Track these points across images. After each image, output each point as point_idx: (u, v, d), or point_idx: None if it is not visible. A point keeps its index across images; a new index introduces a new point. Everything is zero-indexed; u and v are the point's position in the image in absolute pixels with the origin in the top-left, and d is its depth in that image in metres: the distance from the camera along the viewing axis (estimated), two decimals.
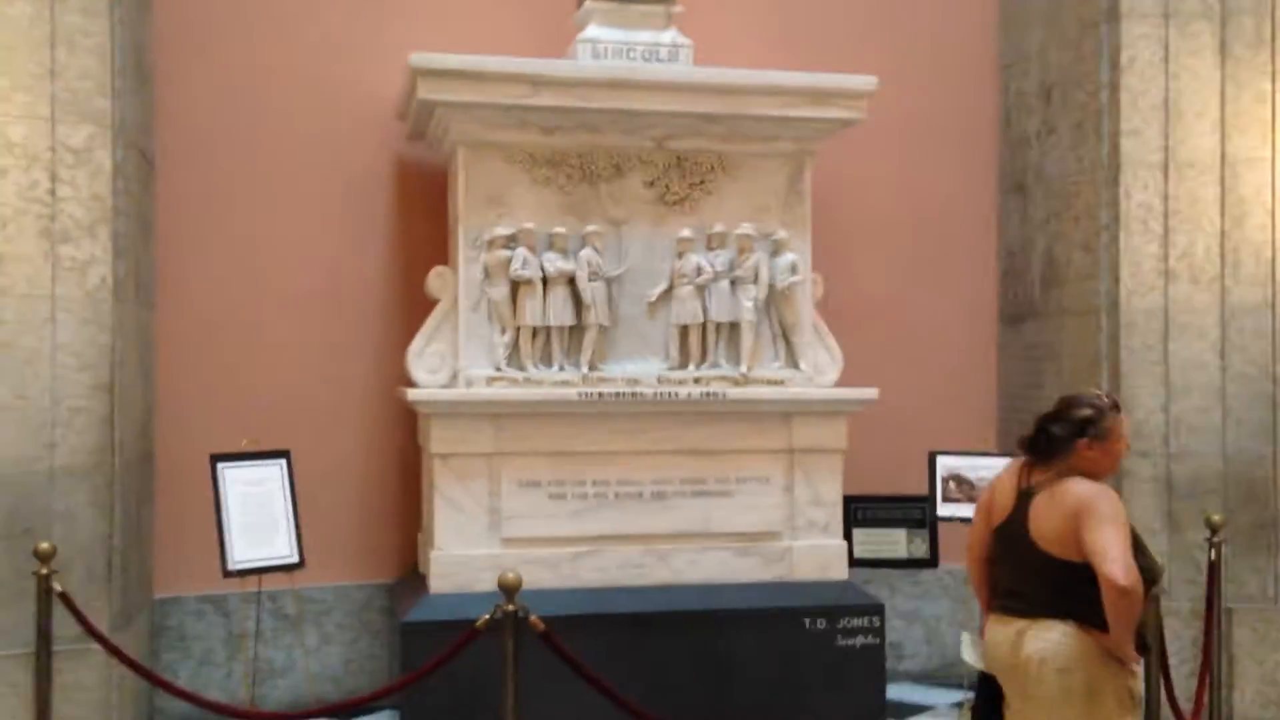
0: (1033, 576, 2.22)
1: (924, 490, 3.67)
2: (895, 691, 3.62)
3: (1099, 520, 2.12)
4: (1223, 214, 3.57)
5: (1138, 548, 2.19)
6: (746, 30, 3.89)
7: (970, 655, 2.43)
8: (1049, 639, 2.19)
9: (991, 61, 4.21)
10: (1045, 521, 2.20)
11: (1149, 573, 2.19)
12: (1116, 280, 3.60)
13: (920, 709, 3.80)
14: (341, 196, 3.67)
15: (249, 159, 3.61)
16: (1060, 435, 2.25)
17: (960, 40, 4.18)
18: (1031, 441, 2.29)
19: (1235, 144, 3.56)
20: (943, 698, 3.89)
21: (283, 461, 3.27)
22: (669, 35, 3.48)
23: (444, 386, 3.37)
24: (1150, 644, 2.22)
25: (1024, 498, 2.26)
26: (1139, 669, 2.23)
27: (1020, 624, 2.24)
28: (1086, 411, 2.25)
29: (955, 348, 4.17)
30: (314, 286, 3.66)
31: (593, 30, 3.44)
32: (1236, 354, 3.56)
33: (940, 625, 4.12)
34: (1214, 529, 3.13)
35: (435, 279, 3.43)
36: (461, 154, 3.36)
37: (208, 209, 3.59)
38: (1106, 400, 2.29)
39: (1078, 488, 2.19)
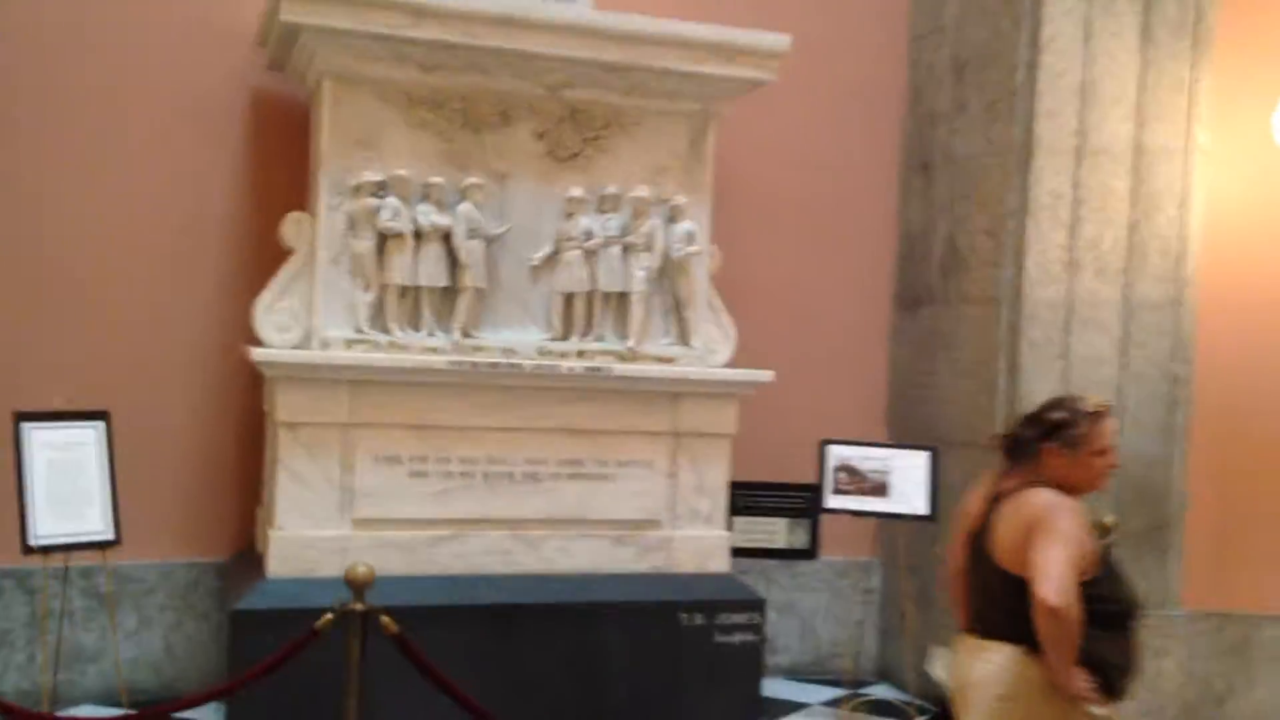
0: (989, 593, 2.02)
1: (813, 479, 3.47)
2: (768, 687, 3.43)
3: (1048, 535, 1.92)
4: (1133, 205, 3.43)
5: (1112, 575, 1.99)
6: None
7: (938, 672, 2.22)
8: (994, 662, 1.99)
9: (902, 32, 3.99)
10: (1004, 533, 2.00)
11: (1123, 604, 2.00)
12: (1020, 269, 3.43)
13: (795, 706, 3.62)
14: (185, 128, 3.24)
15: (76, 77, 3.14)
16: (1028, 437, 2.05)
17: (871, 6, 3.95)
18: (1003, 441, 2.09)
19: (1151, 133, 3.41)
20: (816, 695, 3.72)
21: (100, 424, 2.86)
22: None
23: (295, 347, 2.99)
24: (1125, 685, 2.01)
25: (992, 505, 2.05)
26: (1103, 711, 2.00)
27: (974, 644, 2.04)
28: (1059, 414, 2.05)
29: (849, 332, 3.97)
30: (149, 226, 3.23)
31: None
32: (1137, 350, 3.44)
33: (816, 619, 3.95)
34: (1105, 531, 3.00)
35: (291, 226, 3.03)
36: (328, 87, 2.97)
37: (27, 130, 3.12)
38: (1089, 406, 2.07)
39: (1037, 498, 1.99)
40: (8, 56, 3.08)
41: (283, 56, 3.10)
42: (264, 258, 3.15)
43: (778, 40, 3.22)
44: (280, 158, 3.29)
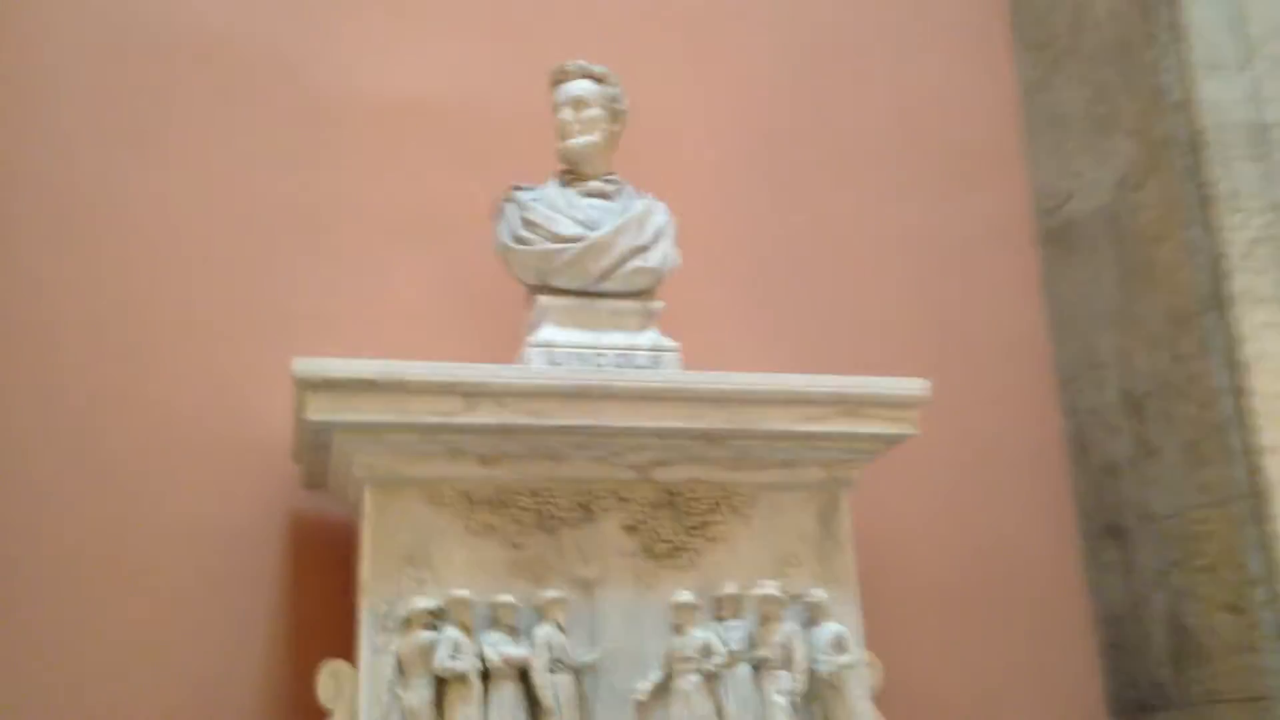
0: None
1: None
2: None
3: None
4: None
5: None
6: (749, 336, 3.09)
7: None
8: None
9: (1046, 375, 3.40)
10: None
11: None
12: None
13: None
14: (206, 571, 2.65)
15: (75, 521, 2.64)
16: None
17: (1004, 348, 3.39)
18: None
19: None
20: None
21: None
22: (648, 337, 2.64)
23: None
24: None
25: None
26: None
27: None
28: None
29: None
30: (170, 702, 2.57)
31: (548, 332, 2.60)
32: None
33: None
34: None
35: (327, 680, 2.35)
36: (369, 497, 2.40)
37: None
38: None
39: None
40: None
41: (319, 468, 2.57)
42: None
43: (915, 387, 2.62)
44: (322, 593, 2.67)
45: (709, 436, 2.51)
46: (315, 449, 2.45)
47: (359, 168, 3.04)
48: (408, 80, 3.13)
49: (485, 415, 2.37)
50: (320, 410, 2.29)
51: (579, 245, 2.61)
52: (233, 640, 2.63)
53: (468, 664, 2.30)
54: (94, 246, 2.81)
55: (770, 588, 2.50)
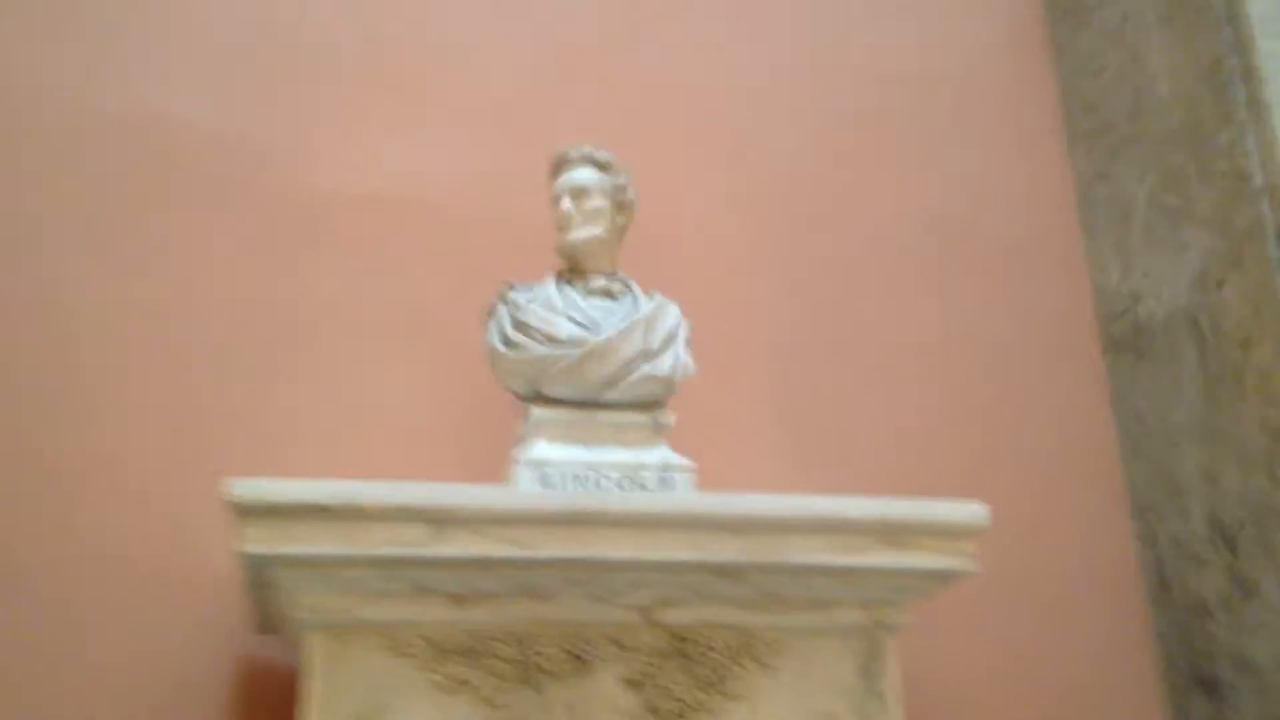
0: None
1: None
2: None
3: None
4: None
5: None
6: (774, 455, 2.71)
7: None
8: None
9: (1119, 497, 2.98)
10: None
11: None
12: None
13: None
14: None
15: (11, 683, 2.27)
16: None
17: (1071, 468, 2.98)
18: None
19: None
20: None
21: None
22: (657, 454, 2.28)
23: None
24: None
25: None
26: None
27: None
28: None
29: None
30: None
31: (541, 449, 2.24)
32: None
33: None
34: None
35: None
36: (316, 643, 2.01)
37: None
38: None
39: None
40: None
41: (269, 609, 2.19)
42: None
43: (970, 513, 2.21)
44: None
45: (727, 571, 2.12)
46: (260, 587, 2.08)
47: (335, 267, 2.74)
48: (392, 172, 2.84)
49: (457, 546, 1.99)
50: (259, 541, 1.92)
51: (578, 350, 2.27)
52: None
53: None
54: (34, 354, 2.50)
55: None
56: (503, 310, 2.36)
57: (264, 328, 2.62)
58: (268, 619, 2.24)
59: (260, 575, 2.01)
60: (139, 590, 2.34)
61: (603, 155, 2.46)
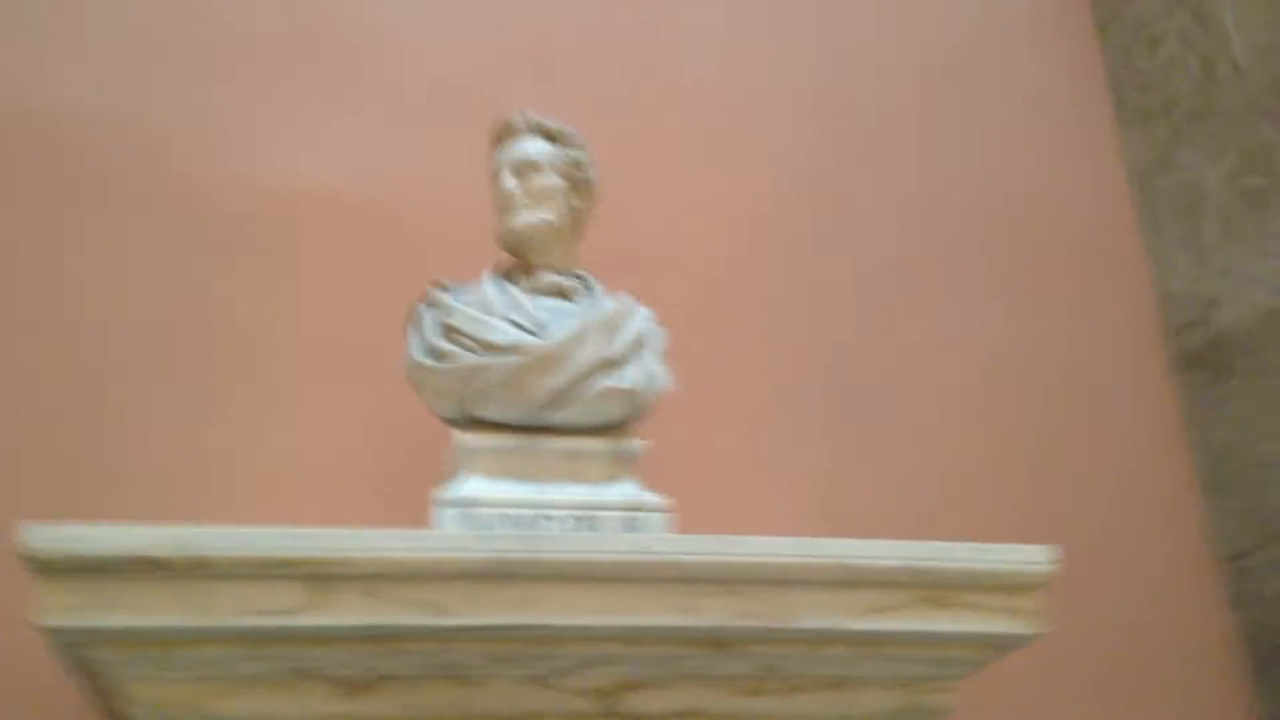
0: None
1: None
2: None
3: None
4: None
5: None
6: (777, 492, 2.18)
7: None
8: None
9: (1202, 546, 2.45)
10: None
11: None
12: None
13: None
14: None
15: None
16: None
17: (1139, 511, 2.45)
18: None
19: None
20: None
21: None
22: (621, 490, 1.77)
23: None
24: None
25: None
26: None
27: None
28: None
29: None
30: None
31: (472, 485, 1.73)
32: None
33: None
34: None
35: None
36: None
37: None
38: None
39: None
40: None
41: (102, 701, 1.66)
42: None
43: (1033, 559, 1.68)
44: None
45: (715, 641, 1.58)
46: (82, 673, 1.55)
47: (246, 275, 2.25)
48: (307, 168, 2.37)
49: (344, 613, 1.47)
50: (66, 611, 1.41)
51: (517, 358, 1.77)
52: None
53: None
54: None
55: None
56: (427, 315, 1.87)
57: (138, 339, 2.13)
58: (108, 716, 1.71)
59: (77, 657, 1.49)
60: None
61: (555, 124, 1.98)
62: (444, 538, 1.58)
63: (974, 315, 2.56)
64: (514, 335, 1.80)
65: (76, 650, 1.46)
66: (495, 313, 1.84)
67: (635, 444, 1.80)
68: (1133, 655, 2.31)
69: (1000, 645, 1.69)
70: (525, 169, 1.93)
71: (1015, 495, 2.37)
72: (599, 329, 1.82)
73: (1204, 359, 2.50)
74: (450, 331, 1.82)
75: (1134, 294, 2.64)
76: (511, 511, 1.70)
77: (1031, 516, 2.34)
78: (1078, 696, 2.24)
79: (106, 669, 1.47)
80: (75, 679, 1.56)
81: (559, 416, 1.78)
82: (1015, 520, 2.30)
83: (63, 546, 1.40)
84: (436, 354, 1.81)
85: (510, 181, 1.93)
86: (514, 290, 1.89)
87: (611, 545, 1.59)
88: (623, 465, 1.78)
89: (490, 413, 1.78)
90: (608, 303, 1.88)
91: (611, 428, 1.80)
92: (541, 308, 1.87)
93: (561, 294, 1.90)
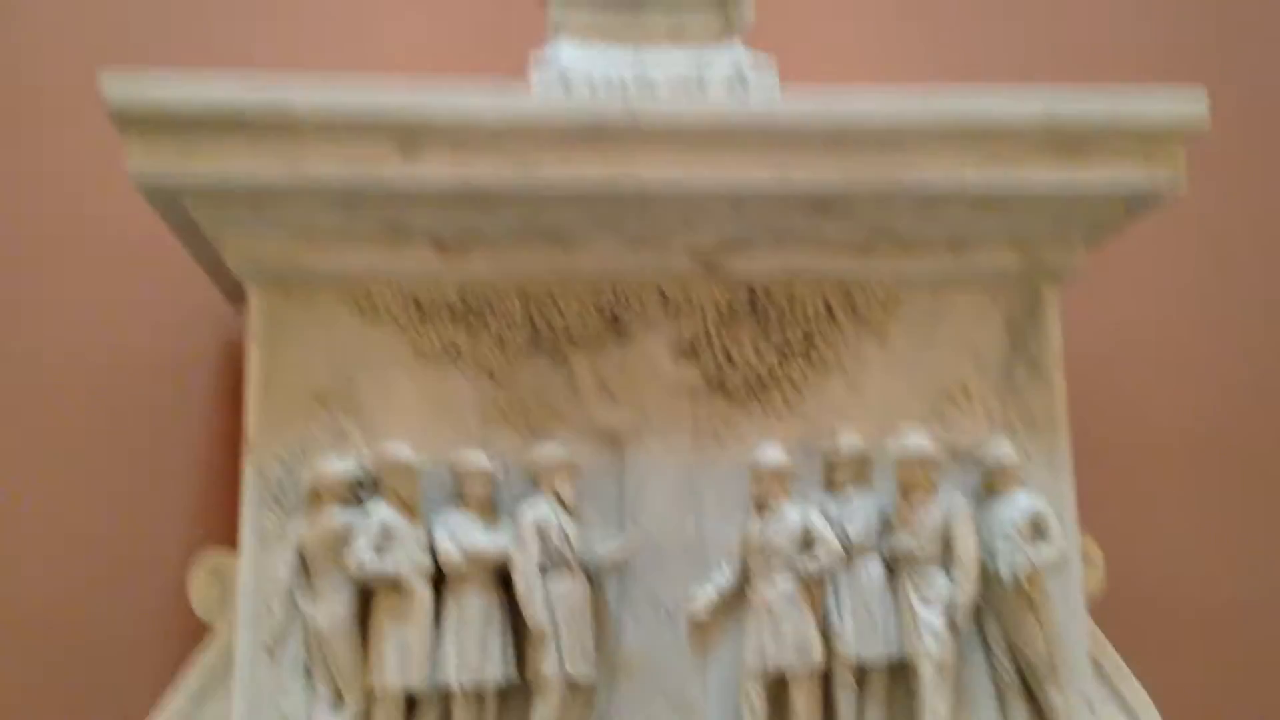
0: None
1: None
2: None
3: None
4: None
5: None
6: (888, 46, 2.00)
7: None
8: None
9: None
10: None
11: None
12: None
13: None
14: (122, 421, 1.84)
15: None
16: None
17: None
18: None
19: None
20: None
21: None
22: (728, 57, 1.64)
23: None
24: None
25: None
26: None
27: None
28: None
29: None
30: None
31: (568, 53, 1.63)
32: None
33: None
34: None
35: (206, 582, 1.53)
36: (254, 301, 1.53)
37: None
38: None
39: None
40: None
41: (211, 263, 1.69)
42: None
43: (1180, 103, 1.51)
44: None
45: (822, 201, 1.51)
46: (182, 231, 1.56)
47: None
48: None
49: (438, 165, 1.43)
50: (154, 160, 1.40)
51: None
52: (130, 509, 1.83)
53: (404, 563, 1.44)
54: None
55: (919, 437, 1.53)
56: None
57: None
58: (229, 283, 1.75)
59: (172, 212, 1.49)
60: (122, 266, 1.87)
61: None
62: (536, 99, 1.50)
63: None
64: None
65: (171, 205, 1.46)
66: None
67: (748, 11, 1.66)
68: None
69: (1140, 202, 1.56)
70: None
71: (1161, 33, 2.12)
72: None
73: None
74: None
75: None
76: (610, 74, 1.61)
77: (1179, 57, 2.10)
78: (1207, 263, 2.11)
79: (202, 222, 1.48)
80: (181, 240, 1.57)
81: None
82: (1159, 62, 2.07)
83: (144, 97, 1.38)
84: None
85: None
86: None
87: (709, 105, 1.50)
88: (731, 30, 1.66)
89: None
90: None
91: None
92: None
93: None
